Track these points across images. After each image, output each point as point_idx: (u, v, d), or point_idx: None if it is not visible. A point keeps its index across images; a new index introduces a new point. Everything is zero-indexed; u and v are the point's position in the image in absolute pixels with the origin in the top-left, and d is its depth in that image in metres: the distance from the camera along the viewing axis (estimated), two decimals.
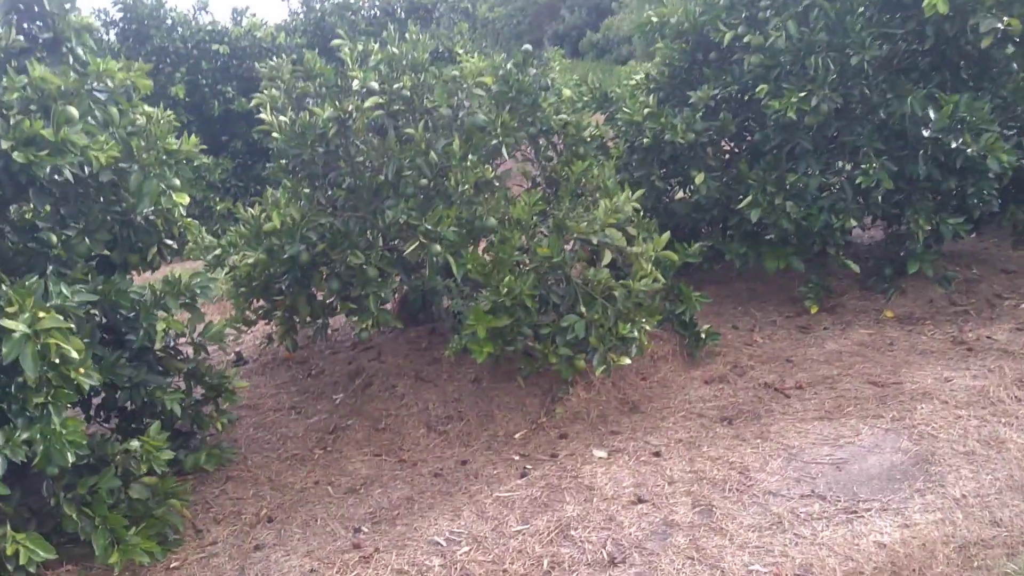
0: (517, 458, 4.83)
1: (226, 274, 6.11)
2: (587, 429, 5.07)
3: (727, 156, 7.07)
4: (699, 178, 6.48)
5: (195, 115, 11.89)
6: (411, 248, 4.86)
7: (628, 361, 4.80)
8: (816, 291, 6.55)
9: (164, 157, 4.16)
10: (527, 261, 5.07)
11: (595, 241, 4.97)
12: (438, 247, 4.84)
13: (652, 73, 7.24)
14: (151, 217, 4.42)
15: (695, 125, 6.40)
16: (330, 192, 5.55)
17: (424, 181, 5.29)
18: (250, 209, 6.06)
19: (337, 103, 5.06)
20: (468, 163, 5.03)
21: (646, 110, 6.60)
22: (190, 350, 5.04)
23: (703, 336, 5.80)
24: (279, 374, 6.58)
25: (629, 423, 5.09)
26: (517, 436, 5.10)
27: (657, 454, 4.66)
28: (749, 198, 6.25)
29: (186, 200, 4.23)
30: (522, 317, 4.91)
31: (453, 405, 5.41)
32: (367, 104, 5.07)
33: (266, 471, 5.01)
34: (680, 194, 7.32)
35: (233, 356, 6.92)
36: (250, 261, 5.84)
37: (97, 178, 4.07)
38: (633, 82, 7.31)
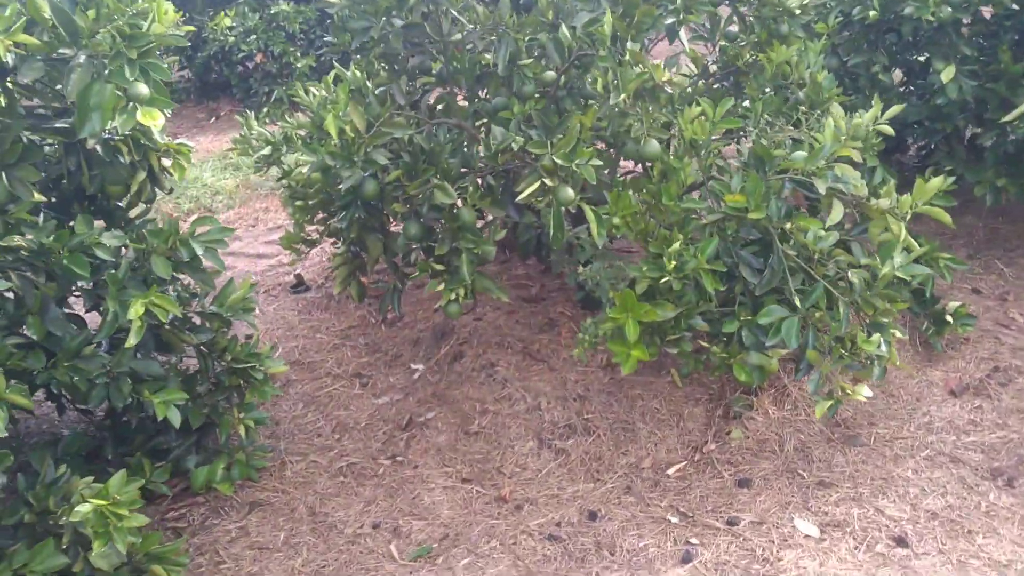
0: (675, 519, 3.18)
1: (279, 180, 4.58)
2: (780, 472, 3.36)
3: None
4: (947, 72, 4.39)
5: None
6: (528, 191, 3.10)
7: (868, 393, 3.01)
8: None
9: (123, 45, 2.42)
10: (700, 212, 3.26)
11: (821, 189, 3.10)
12: (570, 192, 3.07)
13: None
14: (113, 141, 2.76)
15: None
16: (412, 85, 3.80)
17: (551, 74, 3.48)
18: (313, 89, 4.39)
19: None
20: (626, 54, 3.16)
21: None
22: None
23: (949, 319, 3.92)
24: (347, 311, 5.01)
25: (845, 465, 3.36)
26: (672, 472, 3.44)
27: (901, 541, 2.95)
28: None
29: (158, 120, 2.48)
30: (694, 304, 3.15)
31: (576, 406, 3.75)
32: None
33: (308, 493, 3.51)
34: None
35: (293, 280, 5.39)
36: (304, 171, 4.24)
37: (14, 75, 2.43)
38: None
